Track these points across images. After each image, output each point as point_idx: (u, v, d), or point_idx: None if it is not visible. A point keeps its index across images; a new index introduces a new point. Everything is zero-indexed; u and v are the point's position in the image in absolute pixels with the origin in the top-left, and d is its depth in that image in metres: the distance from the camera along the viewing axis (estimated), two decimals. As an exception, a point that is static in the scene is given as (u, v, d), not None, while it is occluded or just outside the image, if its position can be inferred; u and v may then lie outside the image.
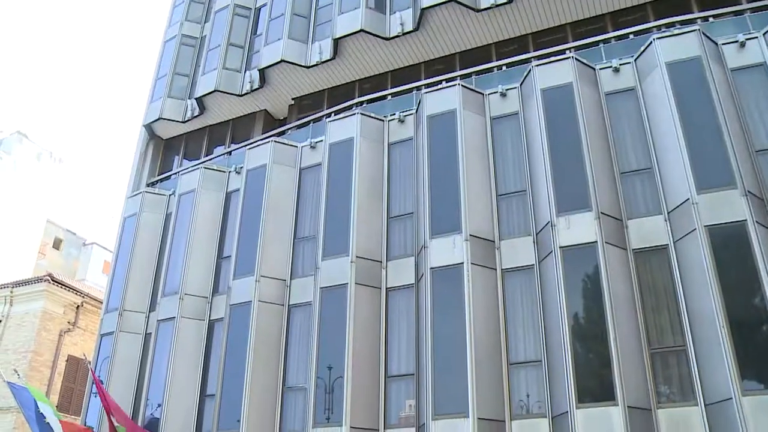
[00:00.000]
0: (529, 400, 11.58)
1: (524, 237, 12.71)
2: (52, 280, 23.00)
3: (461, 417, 11.12)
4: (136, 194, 19.32)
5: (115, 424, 15.02)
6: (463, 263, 12.28)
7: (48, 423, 16.13)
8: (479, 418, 11.08)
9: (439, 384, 11.54)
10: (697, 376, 10.58)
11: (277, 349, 14.31)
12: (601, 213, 11.83)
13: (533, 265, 12.33)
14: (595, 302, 11.15)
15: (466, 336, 11.59)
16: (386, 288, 13.63)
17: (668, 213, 11.83)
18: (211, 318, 16.11)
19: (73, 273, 35.33)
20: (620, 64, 13.49)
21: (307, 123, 17.64)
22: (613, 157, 12.65)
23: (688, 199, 11.39)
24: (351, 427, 12.11)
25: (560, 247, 11.67)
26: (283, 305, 14.73)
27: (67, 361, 23.12)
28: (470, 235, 12.60)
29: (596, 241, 11.49)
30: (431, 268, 12.55)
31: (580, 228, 11.72)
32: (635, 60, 13.38)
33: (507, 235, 12.88)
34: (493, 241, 12.84)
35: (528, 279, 12.29)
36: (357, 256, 13.72)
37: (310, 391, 13.04)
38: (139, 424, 15.72)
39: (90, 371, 16.83)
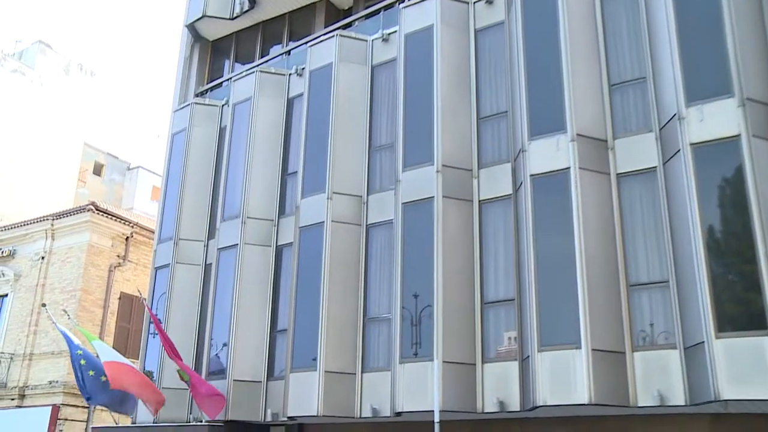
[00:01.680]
0: (653, 329, 11.69)
1: (644, 134, 12.55)
2: (96, 210, 24.41)
3: (572, 348, 11.38)
4: (183, 107, 20.06)
5: (177, 369, 16.13)
6: (569, 168, 12.31)
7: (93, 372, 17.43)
8: (594, 350, 11.28)
9: (545, 310, 11.81)
10: None
11: (356, 275, 14.88)
12: (747, 99, 11.29)
13: (656, 167, 12.21)
14: (738, 210, 10.84)
15: (575, 253, 11.72)
16: (479, 200, 13.85)
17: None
18: (278, 243, 16.85)
19: (118, 201, 37.21)
20: None
21: (377, 11, 17.61)
22: (765, 29, 12.04)
23: None
24: (444, 361, 12.60)
25: (691, 144, 11.46)
26: (359, 225, 15.24)
27: (119, 298, 24.79)
28: (577, 134, 12.57)
29: (739, 135, 11.08)
30: (531, 175, 12.65)
31: (717, 119, 11.38)
32: None
33: (622, 133, 12.76)
34: (606, 141, 12.76)
35: (649, 184, 12.19)
36: (443, 165, 13.95)
37: (395, 323, 13.58)
38: (203, 365, 16.87)
39: (146, 309, 18.06)
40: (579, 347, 11.34)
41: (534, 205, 12.42)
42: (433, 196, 13.75)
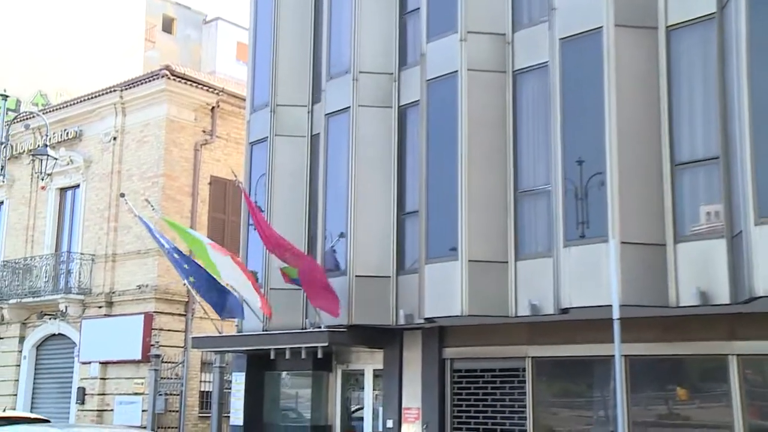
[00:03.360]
0: None
1: None
2: (172, 75, 24.88)
3: (806, 219, 10.86)
4: (265, -67, 19.78)
5: (282, 266, 16.55)
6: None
7: (187, 265, 18.30)
8: (839, 221, 10.73)
9: (764, 170, 11.18)
10: None
11: (502, 138, 14.68)
12: None
13: None
14: None
15: (809, 90, 10.99)
16: (666, 26, 13.13)
17: None
18: (400, 103, 16.79)
19: (197, 63, 37.84)
20: None
21: None
22: None
23: None
24: (622, 242, 12.35)
25: None
26: (504, 72, 14.91)
27: (210, 183, 25.56)
28: None
29: None
30: (744, -17, 11.75)
31: None
32: None
33: None
34: None
35: None
36: (613, -15, 13.24)
37: (556, 196, 13.38)
38: (317, 259, 17.23)
39: (242, 194, 18.44)
40: (814, 218, 10.85)
41: (750, 27, 11.46)
42: (601, 27, 13.13)
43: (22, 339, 27.80)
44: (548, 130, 14.00)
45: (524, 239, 14.42)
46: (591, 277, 12.68)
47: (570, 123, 13.34)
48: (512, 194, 14.57)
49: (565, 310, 13.14)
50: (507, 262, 14.39)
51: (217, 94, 25.74)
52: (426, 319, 14.96)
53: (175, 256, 18.53)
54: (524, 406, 15.14)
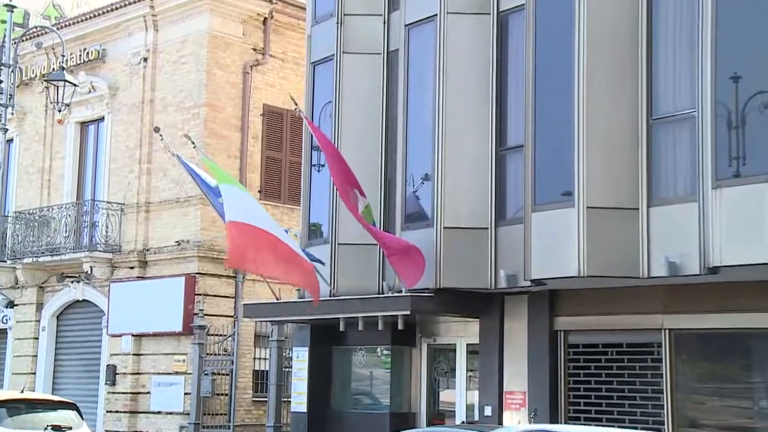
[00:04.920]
0: None
1: None
2: (214, -22, 24.79)
3: None
4: None
5: (362, 207, 16.45)
6: None
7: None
8: None
9: None
10: None
11: (632, 49, 14.40)
12: None
13: None
14: None
15: None
16: None
17: None
18: (500, 8, 16.56)
19: (243, -31, 37.75)
20: None
21: None
22: None
23: None
24: (793, 181, 12.16)
25: None
26: (639, -35, 14.64)
27: (262, 114, 25.57)
28: None
29: None
30: None
31: None
32: None
33: None
34: None
35: None
36: None
37: (704, 124, 13.09)
38: (396, 209, 17.34)
39: (305, 123, 18.32)
40: None
41: None
42: None
43: (39, 306, 28.36)
44: (693, 38, 13.66)
45: (660, 179, 14.21)
46: (750, 227, 12.49)
47: (723, 28, 13.00)
48: (644, 122, 14.30)
49: (714, 270, 12.90)
50: (637, 208, 14.17)
51: (271, 1, 25.59)
52: (533, 281, 14.86)
53: (221, 201, 18.50)
54: (660, 392, 14.95)
